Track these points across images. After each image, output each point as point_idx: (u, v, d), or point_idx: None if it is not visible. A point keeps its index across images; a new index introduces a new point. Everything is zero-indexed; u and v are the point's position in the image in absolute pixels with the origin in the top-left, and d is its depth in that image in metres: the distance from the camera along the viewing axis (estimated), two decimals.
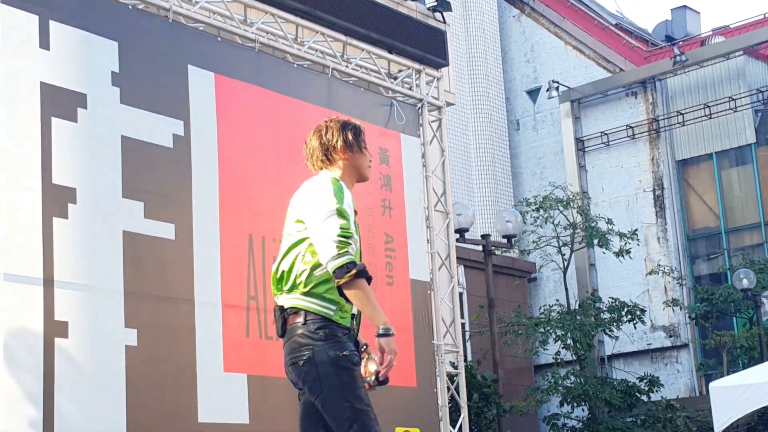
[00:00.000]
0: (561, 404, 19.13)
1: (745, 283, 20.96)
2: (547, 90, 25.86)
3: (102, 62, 8.54)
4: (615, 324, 19.71)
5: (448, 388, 11.78)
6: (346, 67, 11.17)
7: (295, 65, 10.55)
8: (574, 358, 19.54)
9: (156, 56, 9.04)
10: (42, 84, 8.03)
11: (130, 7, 9.06)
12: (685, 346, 24.55)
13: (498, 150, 25.66)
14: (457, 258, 13.26)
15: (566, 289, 20.11)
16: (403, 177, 11.41)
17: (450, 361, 12.15)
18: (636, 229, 21.01)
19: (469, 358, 19.73)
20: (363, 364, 4.96)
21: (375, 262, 10.66)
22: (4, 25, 7.87)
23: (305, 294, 4.88)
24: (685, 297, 24.11)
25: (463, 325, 18.86)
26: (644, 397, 19.47)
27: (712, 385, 14.23)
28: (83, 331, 7.91)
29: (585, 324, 19.22)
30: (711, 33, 27.99)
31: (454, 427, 11.73)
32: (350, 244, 4.79)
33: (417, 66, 12.05)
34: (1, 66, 7.80)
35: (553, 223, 19.84)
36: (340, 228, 4.79)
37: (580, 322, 19.14)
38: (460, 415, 11.94)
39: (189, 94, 9.22)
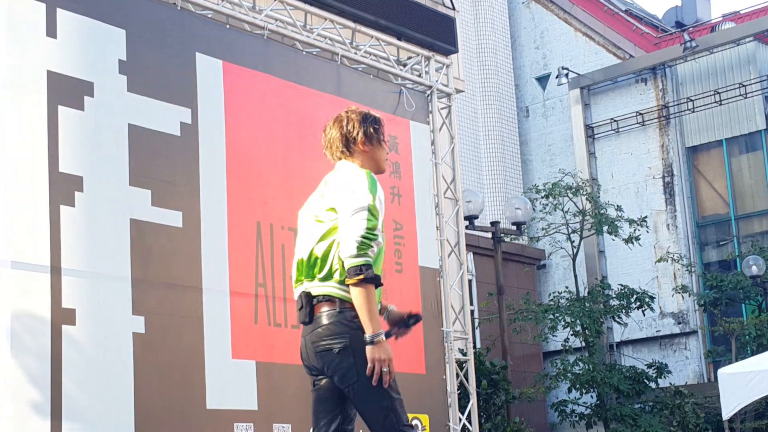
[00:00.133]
0: (569, 391, 19.14)
1: (754, 269, 20.95)
2: (557, 77, 25.79)
3: (109, 50, 8.53)
4: (624, 311, 19.71)
5: (457, 375, 11.79)
6: (355, 54, 11.15)
7: (304, 52, 10.52)
8: (583, 344, 19.54)
9: (164, 44, 9.03)
10: (49, 72, 8.02)
11: None
12: (694, 332, 24.52)
13: (507, 137, 25.62)
14: (467, 245, 13.25)
15: (575, 276, 20.09)
16: (412, 164, 11.40)
17: (459, 348, 12.15)
18: (645, 216, 20.98)
19: (478, 345, 19.76)
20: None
21: (384, 250, 10.64)
22: (10, 13, 7.86)
23: (341, 283, 4.89)
24: (694, 284, 24.08)
25: (472, 312, 18.89)
26: (652, 384, 19.47)
27: (721, 371, 14.22)
28: (91, 319, 7.93)
29: (594, 311, 19.22)
30: (721, 19, 27.86)
31: (462, 414, 11.74)
32: (371, 246, 4.83)
33: (426, 53, 12.03)
34: (7, 54, 7.80)
35: (562, 210, 19.81)
36: (367, 229, 4.82)
37: (589, 309, 19.13)
38: (469, 402, 11.94)
39: (197, 82, 9.21)
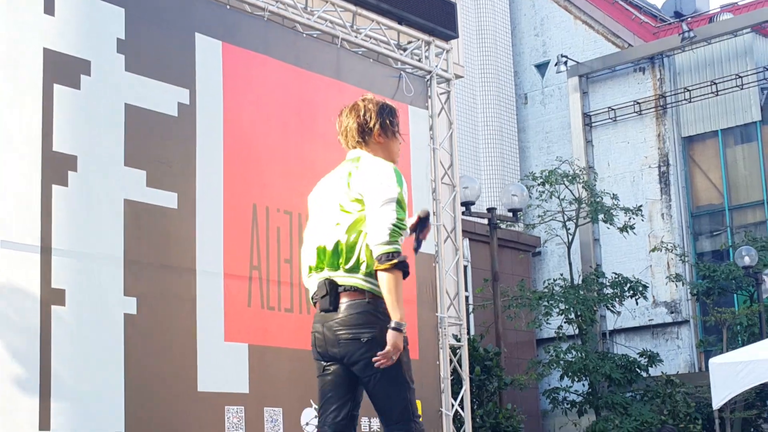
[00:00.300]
0: (561, 378, 19.18)
1: (746, 260, 20.99)
2: (556, 64, 25.76)
3: (108, 29, 8.46)
4: (617, 299, 19.75)
5: (451, 361, 11.77)
6: (356, 37, 11.10)
7: (304, 35, 10.46)
8: (576, 332, 19.56)
9: (163, 23, 8.96)
10: (45, 50, 7.94)
11: None
12: (686, 322, 24.58)
13: (505, 123, 25.59)
14: (463, 231, 13.22)
15: (570, 264, 20.11)
16: (410, 149, 11.35)
17: (453, 334, 12.15)
18: (641, 205, 21.02)
19: (472, 331, 19.78)
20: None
21: None
22: None
23: (368, 275, 4.94)
24: (688, 273, 24.12)
25: (466, 298, 18.87)
26: (644, 373, 19.51)
27: (712, 361, 14.26)
28: (81, 299, 7.86)
29: (588, 299, 19.25)
30: (719, 10, 27.84)
31: (455, 399, 11.73)
32: (402, 235, 4.89)
33: (426, 38, 11.97)
34: (4, 31, 7.72)
35: (558, 197, 19.81)
36: (397, 219, 4.88)
37: (583, 296, 19.15)
38: (461, 388, 11.94)
39: (195, 63, 9.14)
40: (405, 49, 11.88)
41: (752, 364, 13.54)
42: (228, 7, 9.73)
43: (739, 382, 13.71)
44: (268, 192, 9.57)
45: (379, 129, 5.18)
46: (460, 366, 12.00)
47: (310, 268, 5.14)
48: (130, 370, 8.10)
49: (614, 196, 20.20)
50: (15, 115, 7.70)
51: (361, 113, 5.17)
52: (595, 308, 19.73)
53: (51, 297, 7.68)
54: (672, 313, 24.70)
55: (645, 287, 19.90)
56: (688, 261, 23.91)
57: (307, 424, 9.49)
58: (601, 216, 19.75)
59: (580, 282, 19.95)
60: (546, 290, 19.68)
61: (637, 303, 20.93)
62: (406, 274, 4.88)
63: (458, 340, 12.16)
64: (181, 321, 8.61)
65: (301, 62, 10.24)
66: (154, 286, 8.43)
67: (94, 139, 8.19)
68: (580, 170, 21.02)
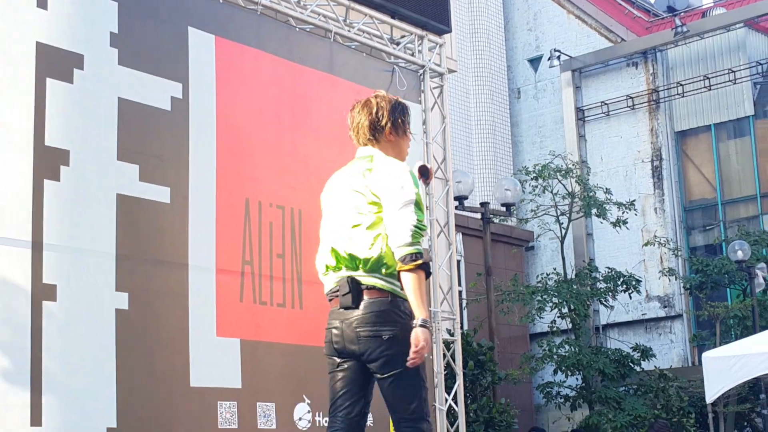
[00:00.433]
0: (555, 372, 19.19)
1: (739, 254, 21.00)
2: (549, 59, 25.78)
3: (101, 23, 8.42)
4: (610, 293, 19.76)
5: (444, 355, 11.77)
6: (349, 31, 11.07)
7: (297, 29, 10.43)
8: (570, 327, 19.57)
9: (156, 17, 8.92)
10: (38, 44, 7.90)
11: None
12: (679, 316, 24.62)
13: (498, 118, 25.58)
14: (456, 225, 13.21)
15: (563, 258, 20.11)
16: None
17: (446, 329, 12.13)
18: (634, 200, 21.03)
19: (466, 326, 19.77)
20: None
21: None
22: None
23: (389, 275, 4.99)
24: (681, 268, 24.14)
25: (460, 292, 18.88)
26: (637, 367, 19.53)
27: (705, 355, 14.29)
28: (72, 295, 7.82)
29: (581, 293, 19.26)
30: (712, 4, 27.88)
31: (449, 394, 11.72)
32: (423, 236, 4.95)
33: (419, 32, 11.95)
34: None
35: (551, 192, 19.82)
36: (418, 220, 4.94)
37: (576, 291, 19.16)
38: (455, 382, 11.92)
39: (188, 57, 9.10)
40: (398, 44, 11.85)
41: (745, 358, 13.55)
42: (221, 1, 9.69)
43: (732, 376, 13.73)
44: (261, 186, 9.53)
45: (391, 127, 5.19)
46: (454, 360, 11.99)
47: (327, 267, 5.17)
48: (122, 366, 8.06)
49: (607, 191, 20.20)
50: (7, 110, 7.65)
51: (374, 111, 5.18)
52: (588, 303, 19.75)
53: (42, 292, 7.63)
54: (665, 307, 24.73)
55: (638, 282, 19.90)
56: (681, 255, 23.94)
57: (299, 419, 9.47)
58: (594, 210, 19.77)
59: (573, 276, 19.95)
60: (539, 285, 19.69)
61: (630, 297, 20.95)
62: (428, 275, 4.94)
63: (451, 335, 12.15)
64: (173, 316, 8.57)
65: (294, 56, 10.20)
66: (146, 281, 8.39)
67: (87, 134, 8.15)
68: (573, 165, 21.01)
